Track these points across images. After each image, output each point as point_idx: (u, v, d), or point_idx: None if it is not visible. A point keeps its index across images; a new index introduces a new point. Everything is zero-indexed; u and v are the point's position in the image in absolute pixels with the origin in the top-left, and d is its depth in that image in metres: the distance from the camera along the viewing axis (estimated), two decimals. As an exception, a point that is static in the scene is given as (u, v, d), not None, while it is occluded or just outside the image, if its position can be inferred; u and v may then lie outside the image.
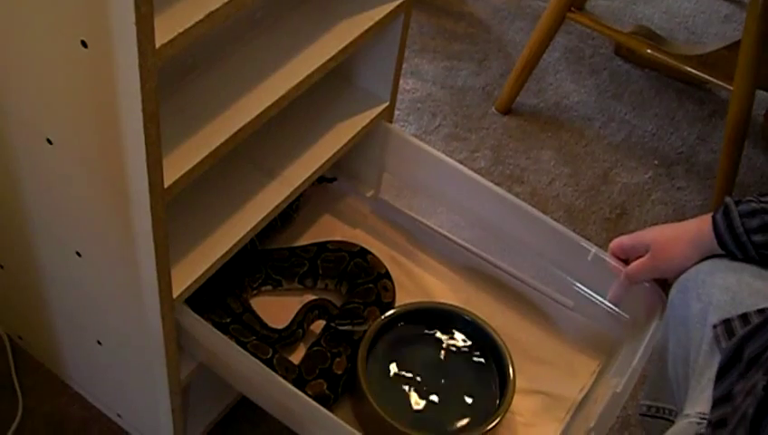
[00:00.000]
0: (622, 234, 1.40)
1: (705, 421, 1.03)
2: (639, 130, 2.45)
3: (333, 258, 1.60)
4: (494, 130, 2.36)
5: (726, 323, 1.12)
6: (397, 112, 2.31)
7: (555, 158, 2.31)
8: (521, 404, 1.48)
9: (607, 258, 1.43)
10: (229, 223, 1.34)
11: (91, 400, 1.65)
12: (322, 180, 1.74)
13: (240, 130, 1.21)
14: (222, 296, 1.49)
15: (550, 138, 2.37)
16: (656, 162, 2.36)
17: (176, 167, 1.13)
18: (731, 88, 2.12)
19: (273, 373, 1.29)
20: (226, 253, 1.31)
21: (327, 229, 1.71)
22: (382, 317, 1.50)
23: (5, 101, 1.18)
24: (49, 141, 1.16)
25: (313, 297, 1.57)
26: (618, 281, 1.41)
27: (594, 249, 1.46)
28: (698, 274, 1.22)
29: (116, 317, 1.36)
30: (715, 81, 2.22)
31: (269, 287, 1.59)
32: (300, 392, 1.27)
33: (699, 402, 1.07)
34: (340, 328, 1.47)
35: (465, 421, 1.44)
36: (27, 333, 1.68)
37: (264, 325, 1.49)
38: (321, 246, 1.62)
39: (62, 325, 1.53)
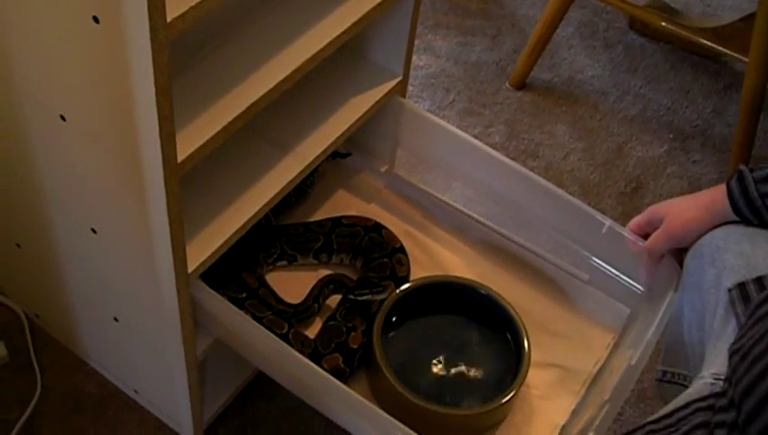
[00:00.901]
0: (637, 208, 1.39)
1: (720, 381, 1.03)
2: (654, 103, 2.44)
3: (348, 233, 1.60)
4: (508, 105, 2.35)
5: (741, 286, 1.12)
6: (410, 88, 2.31)
7: (570, 132, 2.31)
8: (536, 378, 1.48)
9: (623, 232, 1.42)
10: (243, 198, 1.34)
11: (109, 376, 1.66)
12: (336, 156, 1.74)
13: (253, 105, 1.20)
14: (237, 272, 1.49)
15: (564, 112, 2.36)
16: (671, 136, 2.35)
17: (189, 141, 1.13)
18: (746, 60, 2.10)
19: (289, 348, 1.30)
20: (241, 228, 1.31)
21: (341, 204, 1.71)
22: (397, 291, 1.50)
23: (18, 79, 1.18)
24: (62, 118, 1.16)
25: (328, 272, 1.58)
26: (643, 263, 1.41)
27: (609, 222, 1.46)
28: (712, 239, 1.22)
29: (132, 293, 1.36)
30: (730, 53, 2.21)
31: (284, 262, 1.59)
32: (316, 367, 1.27)
33: (714, 365, 1.07)
34: (360, 298, 1.48)
35: (479, 395, 1.44)
36: (44, 311, 1.69)
37: (280, 300, 1.50)
38: (336, 221, 1.62)
39: (78, 303, 1.54)
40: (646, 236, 1.38)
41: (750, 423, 0.84)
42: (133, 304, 1.39)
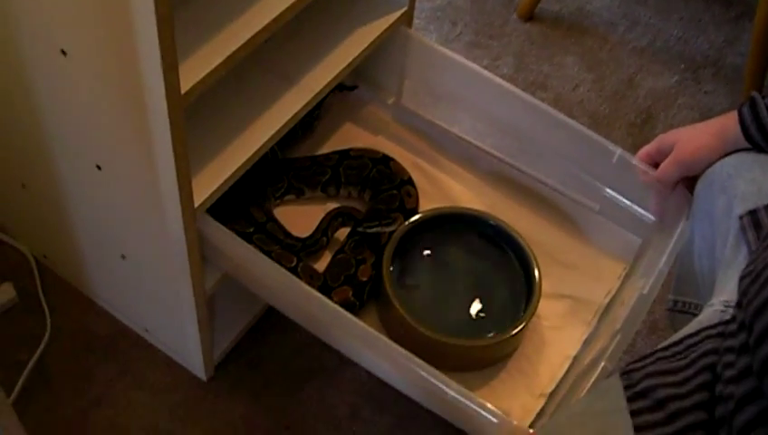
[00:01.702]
0: (648, 139, 1.37)
1: (730, 309, 1.01)
2: (665, 34, 2.40)
3: (356, 166, 1.59)
4: (516, 36, 2.32)
5: (752, 213, 1.10)
6: (417, 21, 2.28)
7: (579, 63, 2.28)
8: (547, 308, 1.48)
9: (633, 161, 1.40)
10: (249, 131, 1.33)
11: (118, 316, 1.66)
12: (343, 88, 1.72)
13: (256, 35, 1.18)
14: (245, 207, 1.48)
15: (573, 44, 2.33)
16: (682, 66, 2.32)
17: (192, 72, 1.11)
18: (759, -13, 2.07)
19: (299, 281, 1.29)
20: (247, 161, 1.30)
21: (349, 137, 1.70)
22: (406, 223, 1.49)
23: (18, 13, 1.16)
24: (63, 52, 1.14)
25: (337, 205, 1.57)
26: (654, 193, 1.39)
27: (619, 151, 1.44)
28: (723, 167, 1.20)
29: (139, 230, 1.36)
30: (742, -20, 2.18)
31: (292, 196, 1.58)
32: (326, 299, 1.27)
33: (725, 292, 1.06)
34: (369, 230, 1.47)
35: (490, 326, 1.44)
36: (52, 251, 1.68)
37: (288, 234, 1.49)
38: (344, 154, 1.61)
39: (85, 242, 1.53)
40: (656, 166, 1.36)
41: (762, 343, 0.83)
42: (140, 240, 1.38)
